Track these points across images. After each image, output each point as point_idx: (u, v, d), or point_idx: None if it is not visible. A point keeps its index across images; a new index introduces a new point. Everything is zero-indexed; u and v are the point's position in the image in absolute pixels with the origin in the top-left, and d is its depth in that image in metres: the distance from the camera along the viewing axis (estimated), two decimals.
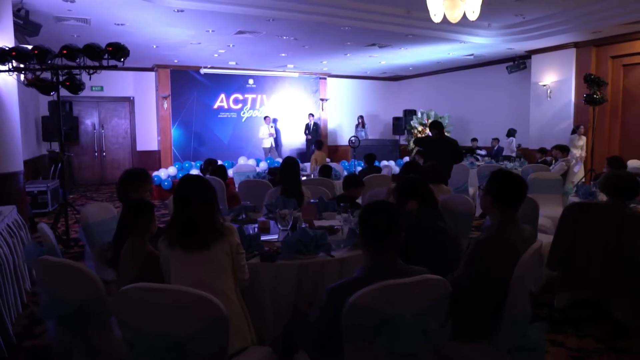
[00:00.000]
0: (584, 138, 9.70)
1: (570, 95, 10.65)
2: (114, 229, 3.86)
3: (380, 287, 1.70)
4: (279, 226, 3.14)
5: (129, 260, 2.54)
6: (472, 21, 9.85)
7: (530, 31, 9.85)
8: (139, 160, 12.93)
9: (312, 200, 3.87)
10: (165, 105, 12.58)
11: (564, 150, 7.96)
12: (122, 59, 5.44)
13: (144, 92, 12.97)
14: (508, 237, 2.24)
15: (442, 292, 1.84)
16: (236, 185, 6.26)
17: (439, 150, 6.19)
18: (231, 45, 10.39)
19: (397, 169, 9.77)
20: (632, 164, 8.30)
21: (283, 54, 11.62)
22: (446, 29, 9.60)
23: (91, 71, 5.53)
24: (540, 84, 11.14)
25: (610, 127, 10.31)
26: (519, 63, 11.74)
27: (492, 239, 2.24)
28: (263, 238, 2.85)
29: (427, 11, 8.95)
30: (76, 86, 5.57)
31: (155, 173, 9.99)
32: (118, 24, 8.30)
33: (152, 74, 12.97)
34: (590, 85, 9.53)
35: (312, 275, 2.56)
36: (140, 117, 13.01)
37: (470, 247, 2.27)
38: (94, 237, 3.61)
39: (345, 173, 8.95)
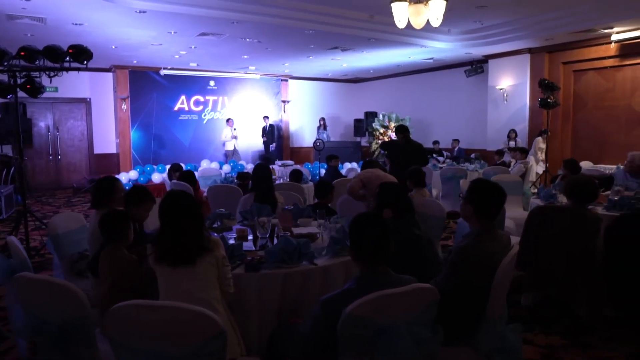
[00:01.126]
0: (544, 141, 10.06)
1: (526, 98, 11.11)
2: (83, 239, 3.78)
3: (376, 297, 1.74)
4: (258, 234, 3.14)
5: (106, 269, 2.50)
6: (435, 26, 10.17)
7: (488, 37, 10.21)
8: (97, 164, 12.52)
9: (286, 207, 3.87)
10: (124, 107, 12.24)
11: (522, 152, 8.30)
12: (85, 62, 5.26)
13: (101, 93, 12.55)
14: (487, 244, 2.34)
15: (431, 299, 1.90)
16: (203, 190, 6.17)
17: (405, 153, 6.32)
18: (193, 47, 10.23)
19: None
20: (585, 165, 8.77)
21: (245, 56, 11.54)
22: (408, 34, 9.80)
23: (52, 73, 5.32)
24: (497, 87, 11.56)
25: (562, 130, 10.82)
26: (477, 67, 12.14)
27: (473, 247, 2.32)
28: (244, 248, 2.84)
29: (390, 16, 9.11)
30: (36, 89, 5.34)
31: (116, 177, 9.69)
32: (76, 24, 8.02)
33: (110, 74, 12.57)
34: (545, 90, 9.98)
35: (297, 284, 2.58)
36: (97, 119, 12.58)
37: (452, 254, 2.35)
38: (63, 248, 3.50)
39: (310, 177, 9.01)
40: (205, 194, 5.95)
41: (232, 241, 2.98)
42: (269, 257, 2.56)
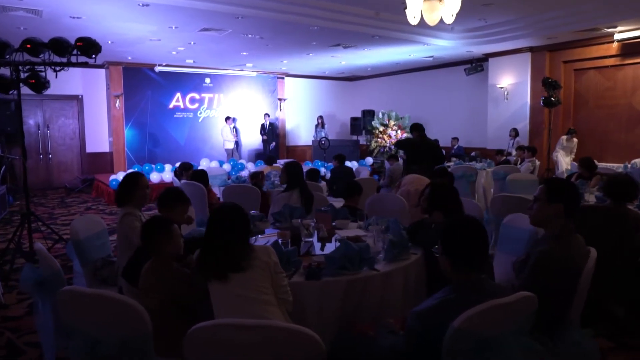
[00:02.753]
0: (575, 140, 9.77)
1: (526, 97, 11.09)
2: (105, 244, 3.55)
3: (485, 308, 1.59)
4: (302, 238, 2.96)
5: (155, 284, 2.28)
6: (437, 24, 10.06)
7: (491, 35, 10.14)
8: (89, 163, 12.15)
9: (323, 209, 3.69)
10: (118, 105, 11.89)
11: (530, 151, 8.25)
12: (94, 55, 5.01)
13: (94, 90, 12.17)
14: (568, 247, 2.21)
15: (533, 308, 1.76)
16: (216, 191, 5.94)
17: (421, 152, 6.21)
18: (192, 43, 9.96)
19: (365, 171, 9.74)
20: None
21: (244, 53, 11.30)
22: (412, 31, 9.70)
23: (57, 68, 5.05)
24: (498, 86, 11.52)
25: (563, 128, 10.81)
26: (476, 65, 12.08)
27: (554, 251, 2.19)
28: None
29: (396, 13, 9.07)
30: (41, 84, 5.06)
31: (112, 177, 9.40)
32: (74, 17, 7.70)
33: (103, 71, 12.20)
34: (548, 89, 9.98)
35: (357, 291, 2.41)
36: (89, 117, 12.19)
37: (532, 259, 2.21)
38: (85, 254, 3.27)
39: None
40: (218, 195, 5.73)
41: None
42: (330, 263, 2.39)
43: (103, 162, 12.21)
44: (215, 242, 2.17)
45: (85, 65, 5.07)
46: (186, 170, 6.03)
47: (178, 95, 12.90)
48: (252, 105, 14.20)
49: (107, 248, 3.54)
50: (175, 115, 12.91)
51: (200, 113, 13.33)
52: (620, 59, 9.89)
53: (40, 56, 5.03)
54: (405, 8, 6.69)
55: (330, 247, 2.89)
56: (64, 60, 5.00)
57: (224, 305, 2.08)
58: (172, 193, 3.11)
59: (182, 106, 13.01)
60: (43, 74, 5.07)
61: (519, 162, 8.62)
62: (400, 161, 8.74)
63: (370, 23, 9.05)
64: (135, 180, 3.28)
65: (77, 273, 3.43)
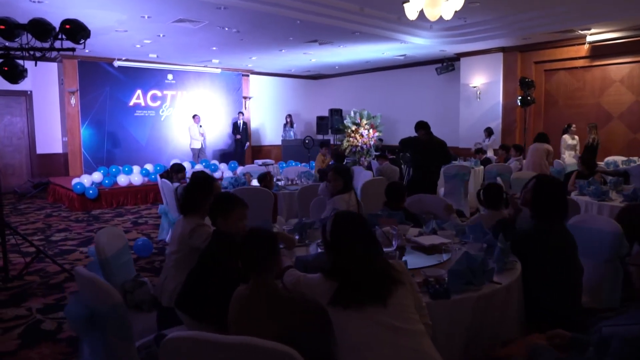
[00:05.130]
0: (576, 137, 9.51)
1: (499, 96, 11.23)
2: (130, 261, 3.00)
3: None
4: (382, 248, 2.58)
5: (261, 315, 1.80)
6: (414, 21, 9.93)
7: (467, 34, 10.16)
8: (40, 165, 11.05)
9: (379, 212, 3.33)
10: (73, 102, 10.89)
11: (517, 149, 8.28)
12: (83, 41, 4.37)
13: (45, 85, 11.07)
14: None
15: None
16: None
17: (429, 151, 5.99)
18: (161, 35, 9.25)
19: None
20: (569, 162, 8.93)
21: (214, 48, 10.69)
22: (393, 29, 9.55)
23: (37, 54, 4.36)
24: (470, 85, 11.60)
25: (534, 126, 11.05)
26: (448, 65, 12.12)
27: None
28: None
29: (380, 9, 8.86)
30: (16, 73, 4.35)
31: (76, 180, 8.53)
32: (34, 1, 6.87)
33: (54, 65, 11.14)
34: (524, 88, 10.14)
35: (481, 307, 2.08)
36: (40, 115, 11.08)
37: None
38: (114, 276, 2.71)
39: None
40: None
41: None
42: (454, 278, 2.04)
43: (56, 164, 11.15)
44: (352, 259, 1.75)
45: (71, 51, 4.42)
46: (178, 172, 5.46)
47: (139, 92, 12.02)
48: (216, 103, 13.53)
49: (132, 266, 3.00)
50: (135, 114, 12.01)
51: (163, 111, 12.50)
52: (590, 61, 10.21)
53: (16, 40, 4.32)
54: (405, 2, 6.48)
55: (409, 258, 2.53)
56: (46, 45, 4.31)
57: (361, 339, 1.66)
58: (226, 198, 2.63)
59: (143, 104, 12.13)
60: (20, 61, 4.36)
61: (502, 161, 8.62)
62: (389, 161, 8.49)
63: (353, 18, 8.78)
64: (210, 186, 2.81)
65: None
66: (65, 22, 4.25)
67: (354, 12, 8.62)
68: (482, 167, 8.46)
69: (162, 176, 5.85)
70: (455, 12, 6.46)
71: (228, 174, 9.73)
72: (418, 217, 3.48)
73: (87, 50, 10.47)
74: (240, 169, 9.53)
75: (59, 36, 4.28)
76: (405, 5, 6.54)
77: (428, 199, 4.01)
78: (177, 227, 2.80)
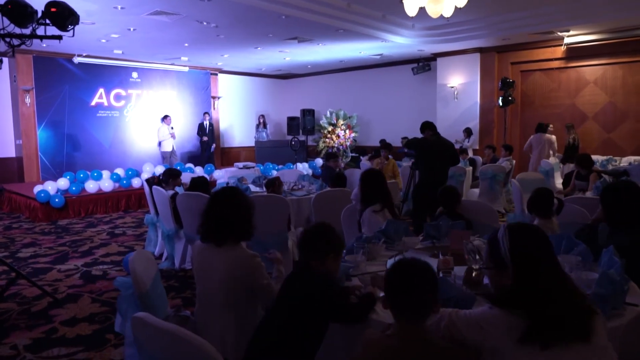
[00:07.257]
0: (553, 137, 9.31)
1: (477, 97, 11.22)
2: (162, 291, 2.47)
3: None
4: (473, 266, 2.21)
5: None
6: (397, 19, 9.73)
7: (447, 34, 10.07)
8: None
9: (448, 223, 2.96)
10: (28, 101, 9.95)
11: (507, 149, 8.22)
12: (71, 27, 3.78)
13: None
14: None
15: None
16: None
17: (436, 152, 5.73)
18: (132, 29, 8.56)
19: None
20: (553, 161, 8.97)
21: (186, 44, 10.06)
22: (377, 27, 9.31)
23: (15, 41, 3.72)
24: (448, 85, 11.53)
25: (512, 126, 11.13)
26: (424, 65, 12.03)
27: None
28: None
29: (366, 6, 8.57)
30: None
31: (39, 188, 7.70)
32: None
33: (6, 60, 10.10)
34: (505, 88, 10.15)
35: (619, 336, 1.77)
36: None
37: None
38: (154, 310, 2.18)
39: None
40: None
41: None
42: (602, 304, 1.72)
43: (9, 169, 10.15)
44: (552, 284, 1.40)
45: (57, 39, 3.81)
46: (175, 177, 4.90)
47: (101, 91, 11.16)
48: (183, 103, 12.83)
49: (165, 295, 2.49)
50: (98, 114, 11.14)
51: (127, 111, 11.69)
52: (565, 62, 10.36)
53: None
54: None
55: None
56: (27, 32, 3.69)
57: None
58: (318, 231, 2.11)
59: (105, 103, 11.28)
60: None
61: (490, 161, 8.54)
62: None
63: (339, 15, 8.46)
64: (252, 205, 2.33)
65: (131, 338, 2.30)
66: (51, 4, 3.65)
67: (340, 8, 8.30)
68: (470, 167, 8.35)
69: (150, 182, 5.26)
70: (424, 9, 6.29)
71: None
72: (472, 224, 3.17)
73: (44, 45, 9.62)
74: (218, 173, 8.98)
75: (43, 21, 3.67)
76: (404, 2, 6.28)
77: (478, 204, 3.72)
78: (208, 258, 2.26)
